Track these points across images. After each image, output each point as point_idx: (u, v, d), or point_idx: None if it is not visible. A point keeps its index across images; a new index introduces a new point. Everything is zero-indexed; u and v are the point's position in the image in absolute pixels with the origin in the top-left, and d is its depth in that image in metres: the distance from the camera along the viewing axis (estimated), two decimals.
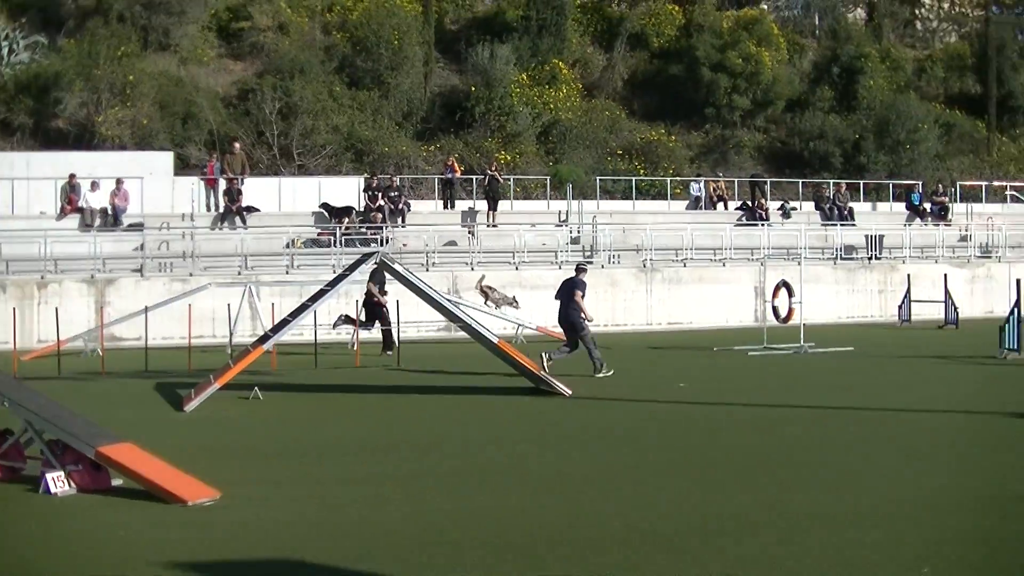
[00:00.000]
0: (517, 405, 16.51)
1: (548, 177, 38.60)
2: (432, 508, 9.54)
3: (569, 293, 20.60)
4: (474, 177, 36.21)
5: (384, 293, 24.20)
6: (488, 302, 27.58)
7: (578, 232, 34.49)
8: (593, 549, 8.04)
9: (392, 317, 23.32)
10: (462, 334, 20.67)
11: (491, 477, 11.05)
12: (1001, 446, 12.37)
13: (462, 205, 35.86)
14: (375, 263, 18.13)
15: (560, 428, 14.29)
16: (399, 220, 33.38)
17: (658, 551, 7.97)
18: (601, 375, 19.71)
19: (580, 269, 21.59)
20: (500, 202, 35.38)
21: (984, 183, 45.54)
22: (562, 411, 15.70)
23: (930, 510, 9.15)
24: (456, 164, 36.74)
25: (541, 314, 29.03)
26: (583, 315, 20.40)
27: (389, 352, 23.90)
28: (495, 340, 17.46)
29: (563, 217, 35.68)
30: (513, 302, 28.06)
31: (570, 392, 16.75)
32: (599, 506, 9.52)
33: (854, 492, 9.91)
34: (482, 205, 35.01)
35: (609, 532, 8.52)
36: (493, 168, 35.40)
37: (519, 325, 27.65)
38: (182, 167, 35.52)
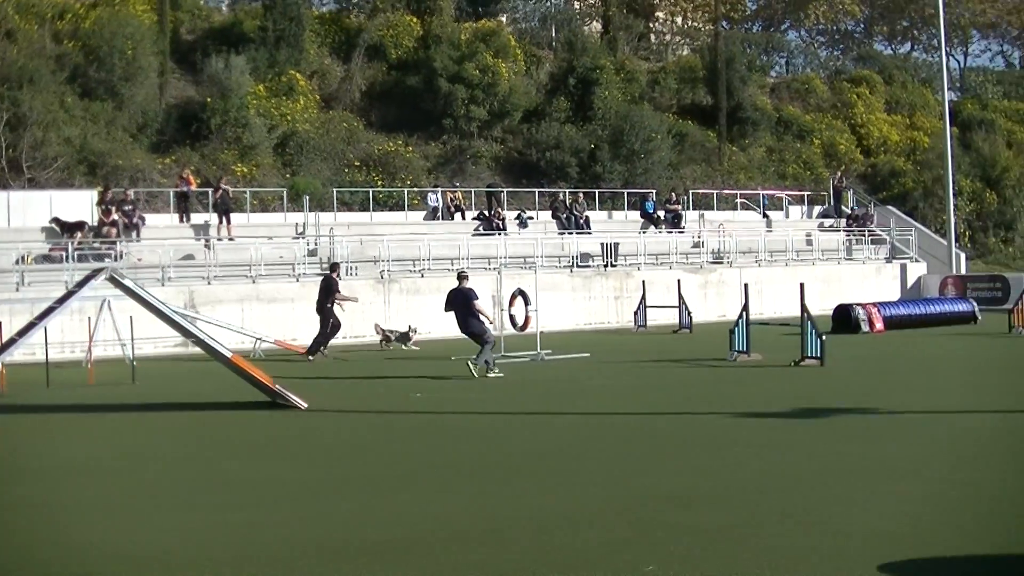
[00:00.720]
0: (253, 419, 16.45)
1: (285, 189, 38.90)
2: (161, 524, 9.55)
3: (465, 304, 22.05)
4: (209, 190, 36.24)
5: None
6: (385, 344, 29.00)
7: (315, 244, 35.07)
8: (319, 561, 8.09)
9: (126, 334, 23.30)
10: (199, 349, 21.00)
11: (222, 490, 10.98)
12: (724, 444, 12.91)
13: (198, 218, 35.82)
14: (105, 279, 17.75)
15: (294, 441, 14.31)
16: (134, 234, 33.19)
17: (377, 561, 8.04)
18: (492, 375, 21.46)
19: (463, 277, 22.99)
20: (237, 215, 35.66)
21: (715, 191, 48.38)
22: (298, 424, 15.75)
23: (650, 510, 9.38)
24: (192, 177, 36.70)
25: (279, 328, 29.94)
26: (484, 319, 22.14)
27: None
28: (229, 355, 17.48)
29: (300, 229, 36.12)
30: (408, 333, 29.42)
31: (306, 405, 16.82)
32: (332, 518, 9.58)
33: (570, 495, 10.13)
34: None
35: (330, 544, 8.58)
36: (223, 182, 35.63)
37: (257, 339, 28.05)
38: None
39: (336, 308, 27.52)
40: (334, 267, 28.92)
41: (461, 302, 22.26)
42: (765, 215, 47.83)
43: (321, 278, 28.88)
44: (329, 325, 27.35)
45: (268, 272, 32.89)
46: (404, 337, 29.22)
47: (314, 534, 8.95)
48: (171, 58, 43.76)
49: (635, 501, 9.77)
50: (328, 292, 27.38)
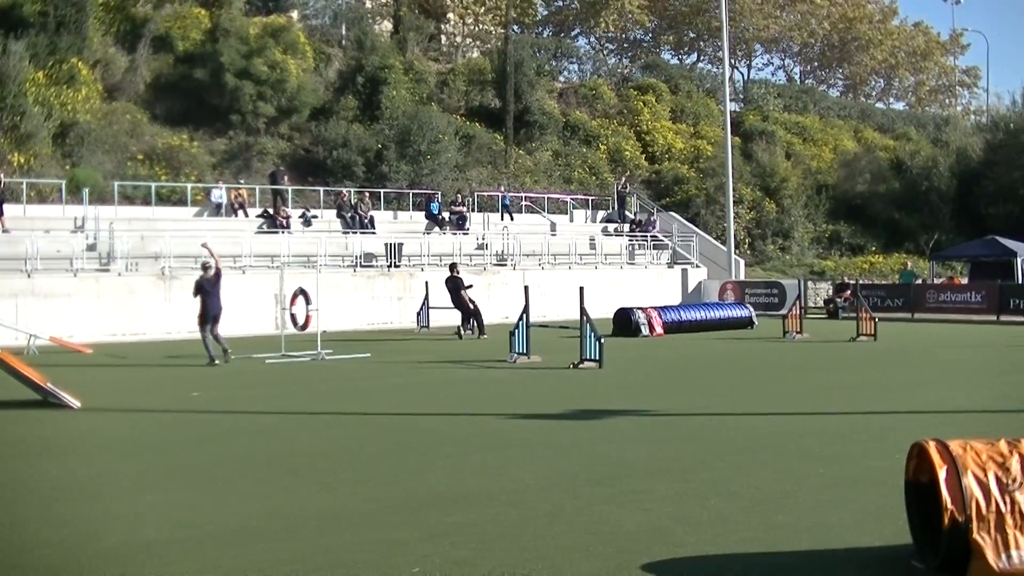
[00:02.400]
0: (21, 418, 15.90)
1: (64, 181, 38.07)
2: None
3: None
4: None
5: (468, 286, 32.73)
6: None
7: (95, 239, 34.55)
8: (89, 563, 7.92)
9: None
10: None
11: None
12: (500, 444, 13.01)
13: None
14: None
15: (68, 440, 13.83)
16: None
17: (152, 560, 7.97)
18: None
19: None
20: (11, 206, 34.88)
21: (501, 193, 49.14)
22: (70, 423, 15.28)
23: (427, 509, 9.45)
24: None
25: (56, 324, 29.47)
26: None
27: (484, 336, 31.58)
28: None
29: (79, 223, 35.43)
30: None
31: (78, 404, 16.49)
32: (97, 518, 9.39)
33: (350, 494, 10.21)
34: None
35: (105, 547, 8.38)
36: None
37: (31, 336, 27.36)
38: None
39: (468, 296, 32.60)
40: (453, 267, 33.60)
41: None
42: (550, 221, 48.74)
43: (447, 279, 32.86)
44: (472, 310, 32.46)
45: (45, 267, 32.16)
46: None
47: (89, 534, 8.80)
48: None
49: (412, 500, 9.88)
50: (456, 290, 32.41)
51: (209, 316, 24.25)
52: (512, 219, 46.69)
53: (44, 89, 42.21)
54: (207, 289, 24.28)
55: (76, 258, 32.99)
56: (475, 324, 32.14)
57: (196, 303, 24.44)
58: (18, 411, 16.63)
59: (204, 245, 26.00)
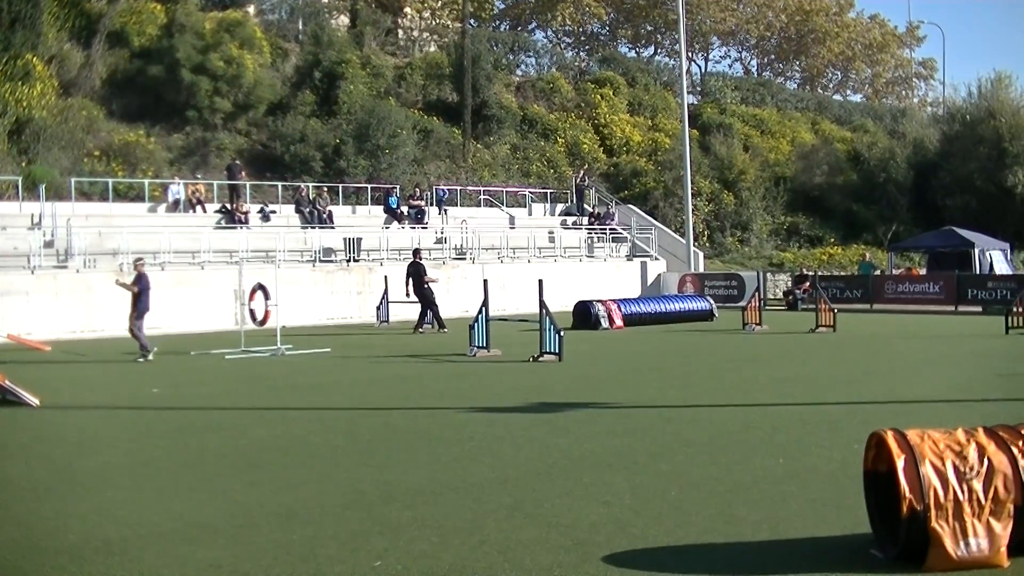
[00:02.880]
0: None
1: (20, 178, 37.81)
2: None
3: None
4: None
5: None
6: None
7: (52, 235, 34.34)
8: (47, 560, 7.91)
9: None
10: None
11: None
12: (458, 438, 12.97)
13: None
14: None
15: (25, 438, 13.75)
16: None
17: (112, 558, 7.92)
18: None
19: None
20: None
21: (459, 187, 49.26)
22: (29, 421, 15.26)
23: (385, 504, 9.47)
24: None
25: (13, 322, 29.30)
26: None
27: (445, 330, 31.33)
28: None
29: (36, 220, 35.24)
30: None
31: (37, 402, 16.46)
32: (55, 516, 9.34)
33: (310, 489, 10.19)
34: None
35: (63, 544, 8.36)
36: None
37: None
38: None
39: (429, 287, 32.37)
40: (417, 252, 33.68)
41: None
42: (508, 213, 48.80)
43: (410, 264, 32.84)
44: (431, 301, 32.20)
45: (2, 264, 31.97)
46: None
47: (47, 532, 8.80)
48: None
49: (370, 495, 9.89)
50: (419, 276, 32.26)
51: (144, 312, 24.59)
52: (446, 214, 46.39)
53: None
54: (145, 286, 24.59)
55: (33, 255, 32.80)
56: (433, 318, 32.08)
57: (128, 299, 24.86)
58: None
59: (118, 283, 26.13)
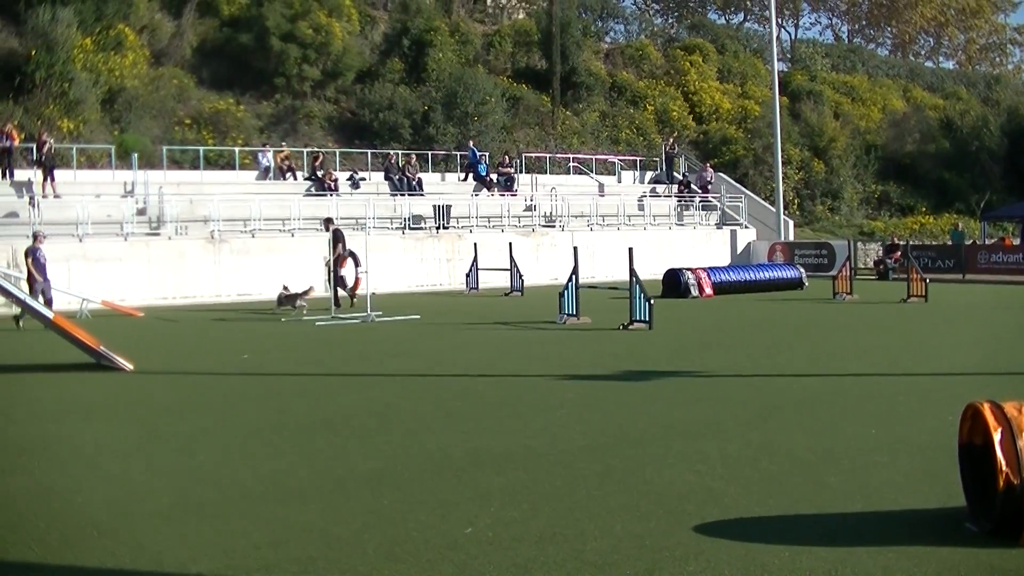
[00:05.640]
0: (76, 381, 15.91)
1: (113, 146, 38.38)
2: None
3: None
4: (33, 146, 35.41)
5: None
6: (289, 304, 27.73)
7: (144, 203, 34.80)
8: (138, 523, 7.93)
9: None
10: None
11: (40, 454, 10.58)
12: (548, 405, 12.92)
13: (21, 175, 35.14)
14: None
15: (118, 402, 13.85)
16: None
17: (203, 520, 7.98)
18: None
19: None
20: (63, 171, 35.12)
21: (548, 155, 49.20)
22: (123, 385, 15.38)
23: (474, 470, 9.46)
24: (15, 132, 35.60)
25: (108, 288, 29.74)
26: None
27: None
28: (51, 316, 17.16)
29: (129, 188, 35.72)
30: (305, 291, 28.10)
31: (132, 367, 16.58)
32: (147, 478, 9.43)
33: (398, 455, 10.16)
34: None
35: (155, 506, 8.41)
36: (43, 136, 34.85)
37: (84, 300, 27.44)
38: None
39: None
40: (330, 221, 29.53)
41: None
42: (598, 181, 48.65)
43: (335, 230, 28.61)
44: (339, 277, 28.45)
45: (95, 231, 32.52)
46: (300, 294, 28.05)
47: (138, 495, 8.85)
48: None
49: (459, 461, 9.87)
50: (337, 243, 28.19)
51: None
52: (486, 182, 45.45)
53: (92, 55, 42.44)
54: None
55: (126, 222, 33.32)
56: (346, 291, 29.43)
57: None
58: (72, 374, 16.70)
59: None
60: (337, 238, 28.22)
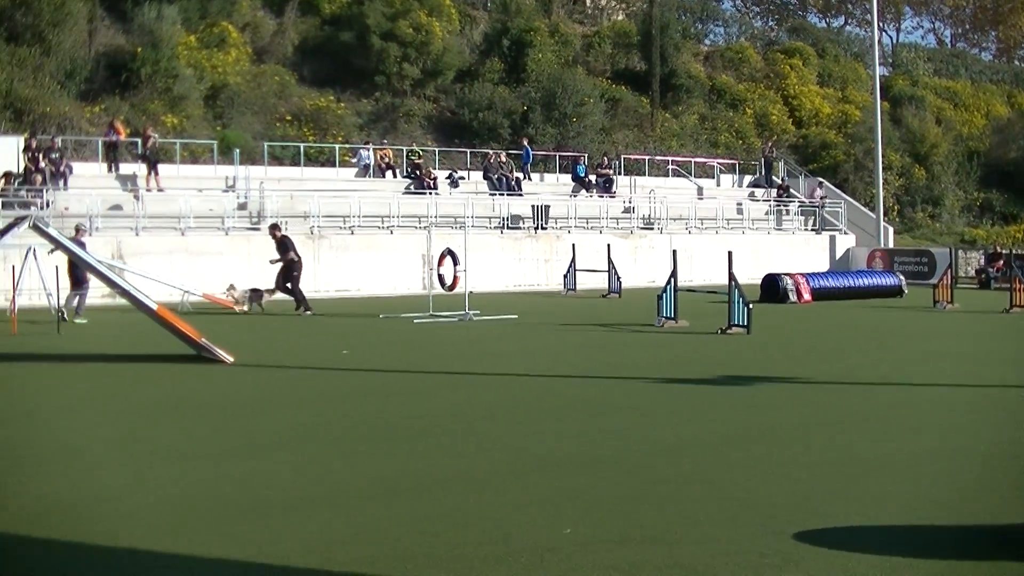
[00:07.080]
0: (177, 373, 16.18)
1: (215, 142, 38.79)
2: (78, 481, 9.16)
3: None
4: (138, 140, 35.98)
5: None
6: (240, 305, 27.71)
7: (245, 198, 35.26)
8: (248, 516, 8.01)
9: (52, 284, 23.38)
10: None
11: (127, 448, 10.60)
12: (644, 409, 12.81)
13: (127, 169, 35.71)
14: (28, 226, 17.49)
15: (218, 396, 14.02)
16: (61, 183, 33.04)
17: (288, 517, 7.98)
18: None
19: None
20: (166, 166, 35.66)
21: (647, 157, 49.00)
22: (223, 378, 15.57)
23: (565, 470, 9.38)
24: (121, 127, 36.39)
25: (207, 281, 30.06)
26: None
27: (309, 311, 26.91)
28: (154, 307, 17.32)
29: (230, 183, 36.19)
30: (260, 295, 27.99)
31: (232, 360, 16.83)
32: (245, 475, 9.38)
33: (498, 455, 10.14)
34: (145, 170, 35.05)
35: (254, 499, 8.52)
36: (148, 131, 35.50)
37: (185, 292, 27.92)
38: None
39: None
40: (276, 227, 28.92)
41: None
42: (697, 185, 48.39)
43: (283, 236, 28.29)
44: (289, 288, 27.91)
45: (197, 225, 33.07)
46: (257, 295, 27.98)
47: (234, 489, 8.87)
48: (100, 5, 43.27)
49: (551, 462, 9.83)
50: (285, 250, 28.00)
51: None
52: (528, 179, 44.72)
53: (195, 52, 43.10)
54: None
55: (227, 217, 33.82)
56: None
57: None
58: (174, 365, 16.96)
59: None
60: (286, 246, 27.91)
